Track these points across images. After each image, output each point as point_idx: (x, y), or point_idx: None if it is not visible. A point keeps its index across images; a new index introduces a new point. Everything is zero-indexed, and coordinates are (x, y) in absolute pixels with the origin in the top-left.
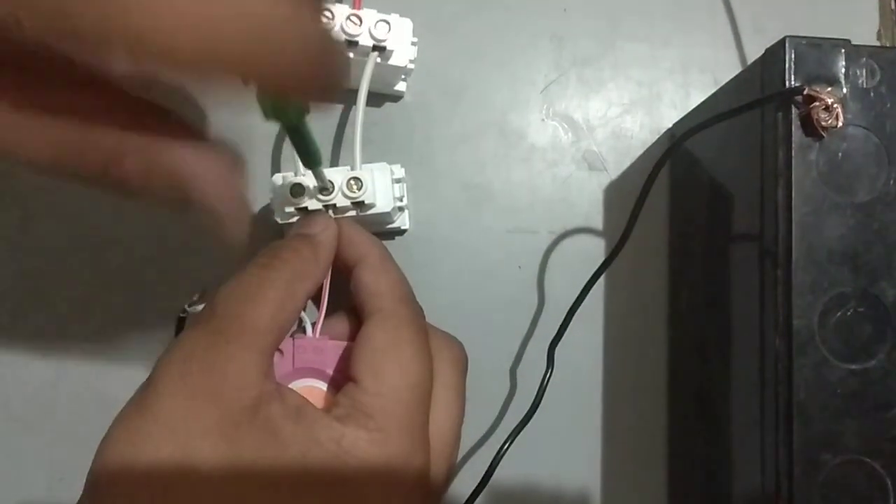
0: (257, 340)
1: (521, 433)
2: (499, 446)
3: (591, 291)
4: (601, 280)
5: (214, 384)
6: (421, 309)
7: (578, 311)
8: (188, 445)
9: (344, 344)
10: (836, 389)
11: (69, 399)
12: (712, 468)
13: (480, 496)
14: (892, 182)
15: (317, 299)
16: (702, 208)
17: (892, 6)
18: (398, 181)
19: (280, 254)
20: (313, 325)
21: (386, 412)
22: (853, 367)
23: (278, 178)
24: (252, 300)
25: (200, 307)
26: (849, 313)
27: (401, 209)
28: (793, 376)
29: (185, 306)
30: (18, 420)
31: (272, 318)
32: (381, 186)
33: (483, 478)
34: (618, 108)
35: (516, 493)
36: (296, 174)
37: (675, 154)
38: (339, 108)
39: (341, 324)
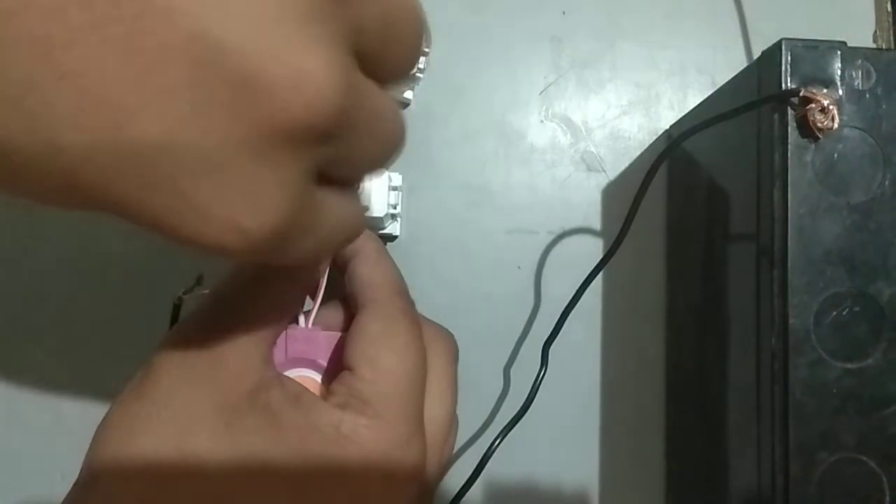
0: (257, 328)
1: (522, 433)
2: (498, 448)
3: (590, 291)
4: (599, 280)
5: (215, 370)
6: (413, 302)
7: (577, 310)
8: (187, 431)
9: (336, 335)
10: (832, 388)
11: (71, 397)
12: (709, 466)
13: (480, 495)
14: (887, 183)
15: (312, 292)
16: (699, 209)
17: (888, 8)
18: (395, 189)
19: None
20: (306, 315)
21: (383, 399)
22: (849, 366)
23: None
24: (253, 288)
25: (196, 294)
26: (844, 313)
27: (393, 217)
28: (789, 375)
29: (181, 293)
30: (21, 418)
31: (272, 306)
32: (377, 191)
33: (472, 475)
34: (616, 109)
35: (515, 492)
36: None
37: (672, 155)
38: None
39: (333, 315)
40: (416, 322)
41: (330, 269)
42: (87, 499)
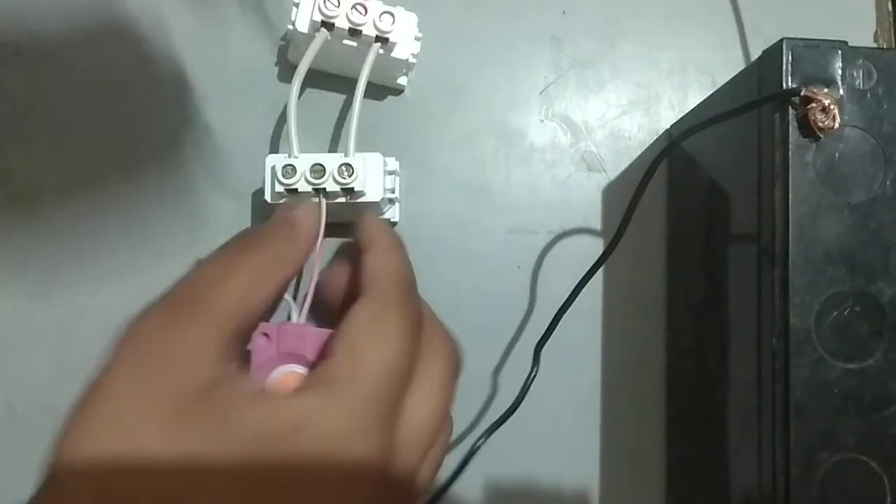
0: (218, 323)
1: (522, 433)
2: (494, 445)
3: (590, 291)
4: (599, 280)
5: (167, 364)
6: (419, 299)
7: (577, 310)
8: (141, 427)
9: (327, 332)
10: (833, 388)
11: (73, 398)
12: (710, 466)
13: (480, 495)
14: (888, 183)
15: (281, 292)
16: (699, 209)
17: (889, 8)
18: (391, 173)
19: (258, 236)
20: (299, 311)
21: (349, 381)
22: (850, 366)
23: (271, 159)
24: (220, 282)
25: None
26: (845, 313)
27: (391, 201)
28: (790, 375)
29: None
30: (22, 419)
31: (239, 301)
32: (373, 175)
33: (454, 473)
34: (616, 109)
35: (515, 492)
36: (289, 156)
37: (672, 155)
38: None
39: (337, 310)
40: (413, 316)
41: (345, 264)
42: (46, 496)
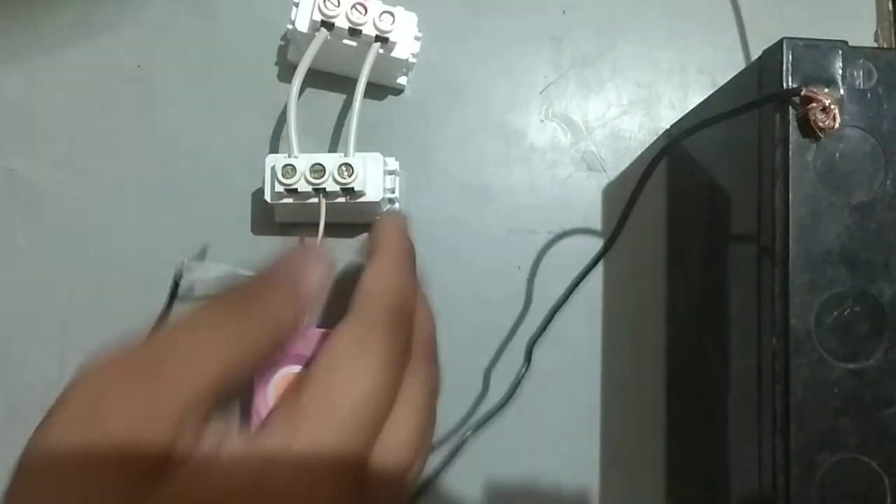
0: (189, 390)
1: (522, 432)
2: (494, 445)
3: (591, 291)
4: (600, 280)
5: (125, 424)
6: (410, 326)
7: (578, 311)
8: (84, 486)
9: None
10: (834, 389)
11: None
12: (710, 467)
13: (480, 495)
14: (888, 182)
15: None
16: (700, 208)
17: (889, 8)
18: (391, 173)
19: (256, 295)
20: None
21: (321, 417)
22: (850, 366)
23: (271, 159)
24: (203, 351)
25: (196, 266)
26: (846, 313)
27: (391, 202)
28: (790, 376)
29: (185, 260)
30: (21, 420)
31: (219, 373)
32: (373, 175)
33: (440, 467)
34: (617, 108)
35: (515, 492)
36: (289, 156)
37: (673, 154)
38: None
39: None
40: (399, 346)
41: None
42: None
